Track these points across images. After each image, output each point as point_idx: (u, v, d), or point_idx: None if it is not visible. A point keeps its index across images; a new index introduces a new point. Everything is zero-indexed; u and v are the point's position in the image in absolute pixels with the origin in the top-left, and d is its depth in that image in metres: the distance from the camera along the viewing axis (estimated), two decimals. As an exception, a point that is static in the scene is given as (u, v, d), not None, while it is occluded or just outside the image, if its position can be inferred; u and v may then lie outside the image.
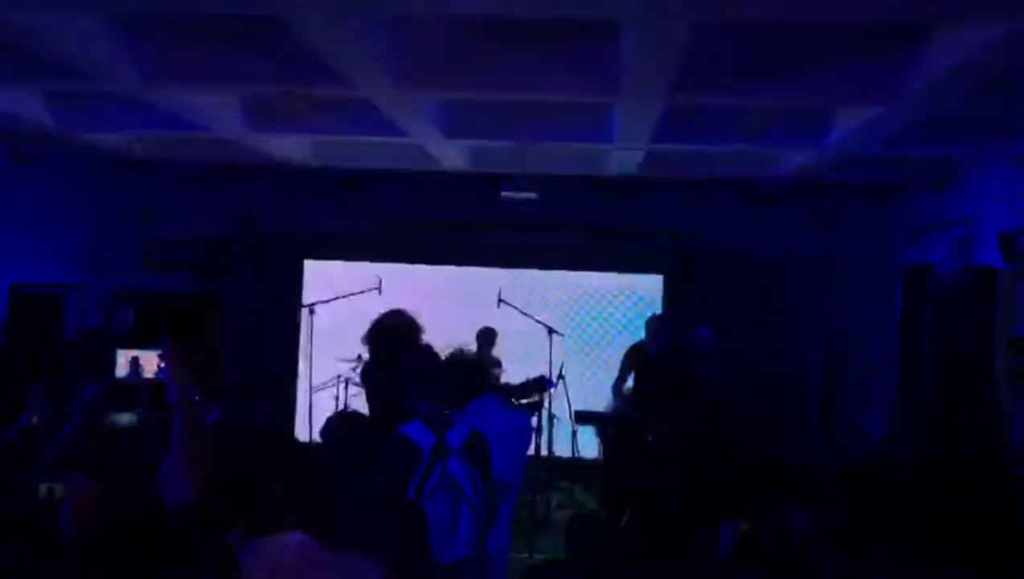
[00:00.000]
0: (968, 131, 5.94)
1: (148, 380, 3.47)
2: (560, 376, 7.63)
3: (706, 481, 5.23)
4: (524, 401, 7.19)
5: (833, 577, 3.08)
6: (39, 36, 3.95)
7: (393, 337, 4.58)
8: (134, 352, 3.72)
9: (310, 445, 2.44)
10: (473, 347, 6.05)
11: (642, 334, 7.20)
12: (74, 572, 2.08)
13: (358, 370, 6.48)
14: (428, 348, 4.06)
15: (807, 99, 4.95)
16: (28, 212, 8.05)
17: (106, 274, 9.17)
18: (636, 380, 7.00)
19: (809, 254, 8.58)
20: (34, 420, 3.61)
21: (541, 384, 7.18)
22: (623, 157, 6.95)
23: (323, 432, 3.54)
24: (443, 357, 3.99)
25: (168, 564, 1.93)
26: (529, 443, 4.01)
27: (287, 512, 2.19)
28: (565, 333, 8.20)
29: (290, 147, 6.90)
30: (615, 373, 7.24)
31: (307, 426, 8.27)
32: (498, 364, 7.56)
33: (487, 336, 7.74)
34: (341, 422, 3.57)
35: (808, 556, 3.17)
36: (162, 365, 2.67)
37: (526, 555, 5.69)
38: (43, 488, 2.23)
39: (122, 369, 5.95)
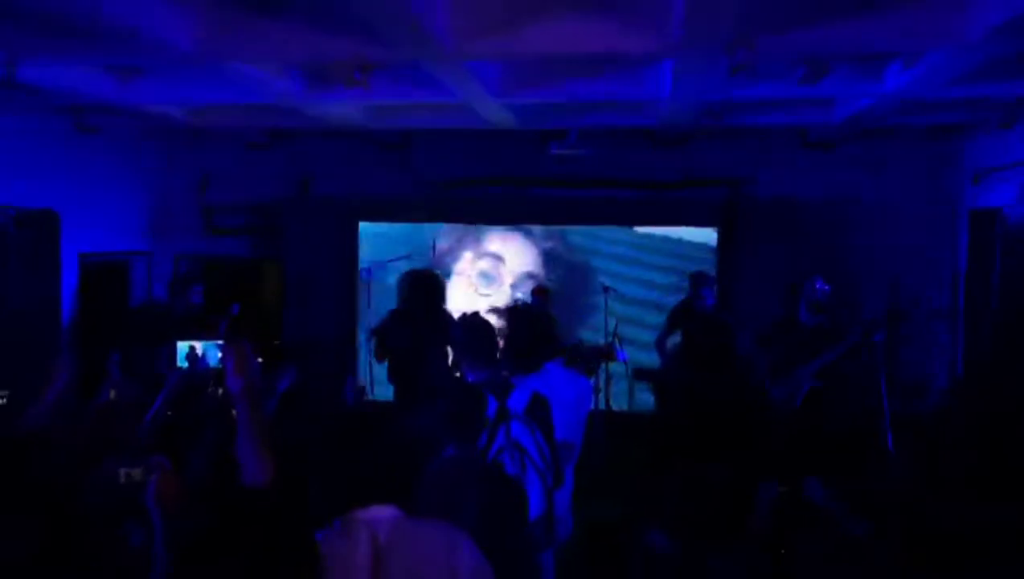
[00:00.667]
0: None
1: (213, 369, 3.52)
2: (615, 334, 7.66)
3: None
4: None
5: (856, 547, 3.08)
6: (95, 8, 4.02)
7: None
8: (193, 342, 3.77)
9: (387, 416, 2.47)
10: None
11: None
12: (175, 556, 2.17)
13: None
14: (476, 315, 4.09)
15: (867, 45, 4.78)
16: (91, 181, 8.26)
17: (168, 240, 9.42)
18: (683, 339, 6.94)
19: (869, 199, 8.38)
20: (112, 394, 3.71)
21: (608, 352, 7.19)
22: (675, 107, 6.83)
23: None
24: (510, 317, 4.01)
25: (257, 551, 2.00)
26: (589, 404, 4.04)
27: (375, 487, 2.25)
28: (620, 289, 8.20)
29: (343, 110, 6.94)
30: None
31: (370, 389, 8.49)
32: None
33: (542, 296, 7.78)
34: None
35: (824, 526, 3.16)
36: (222, 357, 2.78)
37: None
38: (121, 473, 2.29)
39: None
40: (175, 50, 4.57)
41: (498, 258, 9.13)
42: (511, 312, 4.05)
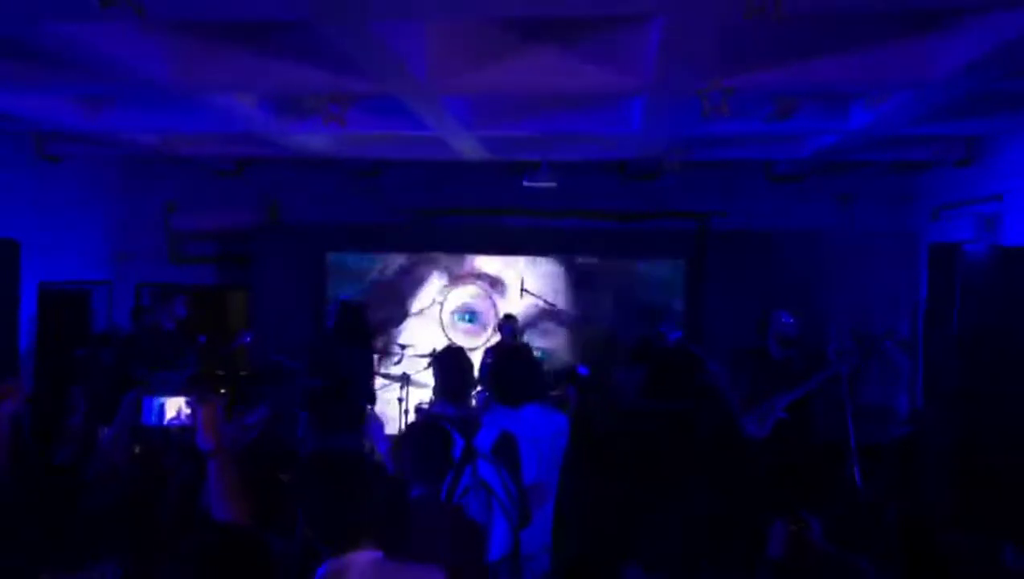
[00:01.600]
0: (995, 107, 5.88)
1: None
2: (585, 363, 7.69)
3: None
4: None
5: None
6: (68, 40, 3.97)
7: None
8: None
9: (366, 459, 2.44)
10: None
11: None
12: None
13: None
14: (451, 347, 4.08)
15: (834, 84, 4.91)
16: (53, 209, 8.11)
17: (132, 269, 9.27)
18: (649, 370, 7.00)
19: (834, 232, 8.55)
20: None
21: (571, 375, 7.21)
22: (645, 142, 6.93)
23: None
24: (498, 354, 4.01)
25: None
26: (564, 441, 4.03)
27: (355, 529, 2.21)
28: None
29: (314, 140, 6.92)
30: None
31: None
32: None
33: (511, 323, 7.78)
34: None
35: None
36: (189, 413, 2.71)
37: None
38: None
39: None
40: (152, 80, 4.54)
41: (491, 284, 9.02)
42: (495, 348, 4.07)
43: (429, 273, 8.99)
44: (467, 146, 7.05)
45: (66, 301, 8.51)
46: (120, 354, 6.85)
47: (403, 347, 8.02)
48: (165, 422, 2.73)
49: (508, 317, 7.82)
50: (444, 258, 8.97)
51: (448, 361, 4.01)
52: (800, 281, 8.27)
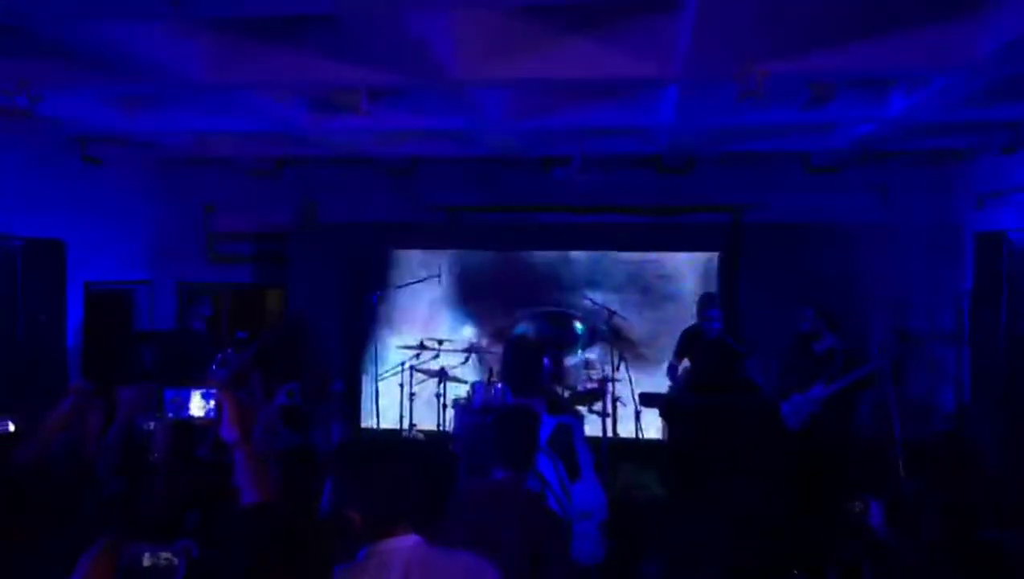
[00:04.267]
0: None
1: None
2: (622, 358, 7.63)
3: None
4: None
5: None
6: (105, 41, 4.05)
7: None
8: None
9: (416, 441, 2.45)
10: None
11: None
12: None
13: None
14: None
15: (872, 68, 4.82)
16: (97, 211, 8.28)
17: (171, 268, 9.42)
18: (692, 364, 6.94)
19: (874, 223, 8.39)
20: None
21: (601, 391, 7.19)
22: (679, 133, 6.87)
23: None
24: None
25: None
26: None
27: (400, 514, 2.21)
28: (627, 315, 8.20)
29: (348, 138, 6.97)
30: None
31: (374, 414, 8.46)
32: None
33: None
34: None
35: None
36: (212, 406, 2.74)
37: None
38: (146, 557, 2.26)
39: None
40: (186, 78, 4.61)
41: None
42: (508, 342, 4.09)
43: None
44: (500, 141, 7.05)
45: (110, 300, 8.69)
46: (160, 353, 6.99)
47: (440, 342, 8.03)
48: (186, 415, 2.75)
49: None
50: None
51: (519, 352, 4.04)
52: (839, 275, 8.13)
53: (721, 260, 8.71)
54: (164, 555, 2.08)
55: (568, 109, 6.11)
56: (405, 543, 2.17)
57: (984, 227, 7.66)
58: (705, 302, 6.92)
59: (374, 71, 4.58)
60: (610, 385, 7.28)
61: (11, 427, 4.07)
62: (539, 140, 7.21)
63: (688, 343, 6.99)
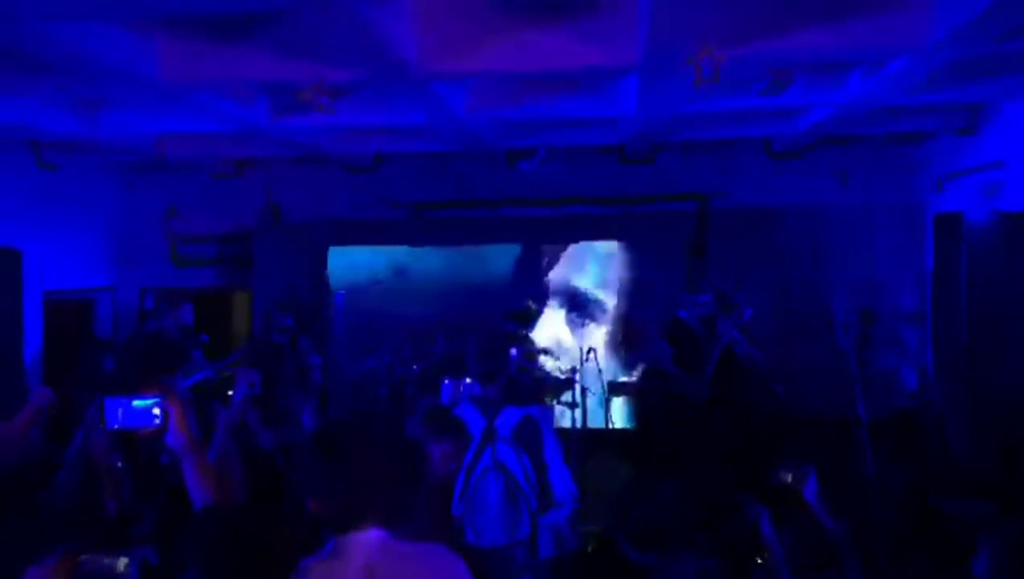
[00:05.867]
0: (996, 71, 5.80)
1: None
2: (590, 349, 7.64)
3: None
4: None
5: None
6: (53, 41, 3.96)
7: None
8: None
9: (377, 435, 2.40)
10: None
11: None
12: None
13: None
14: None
15: (829, 53, 4.86)
16: (54, 217, 8.11)
17: (134, 274, 9.27)
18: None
19: (837, 207, 8.49)
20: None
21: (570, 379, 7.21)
22: (641, 123, 6.88)
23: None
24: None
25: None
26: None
27: (366, 507, 2.18)
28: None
29: (310, 136, 6.90)
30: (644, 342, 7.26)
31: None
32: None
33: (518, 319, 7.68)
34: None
35: None
36: (157, 414, 2.69)
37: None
38: (104, 563, 2.23)
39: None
40: (141, 79, 4.52)
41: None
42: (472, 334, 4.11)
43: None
44: (463, 134, 7.02)
45: (71, 309, 8.52)
46: (120, 360, 6.83)
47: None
48: (129, 425, 2.69)
49: (514, 315, 7.72)
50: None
51: (483, 343, 4.03)
52: (804, 257, 8.23)
53: (689, 247, 8.78)
54: (121, 562, 2.05)
55: (530, 101, 6.10)
56: (370, 537, 2.15)
57: (943, 208, 7.79)
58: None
59: (333, 67, 4.53)
60: (578, 375, 7.30)
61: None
62: (502, 133, 7.19)
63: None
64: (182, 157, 7.87)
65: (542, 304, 8.62)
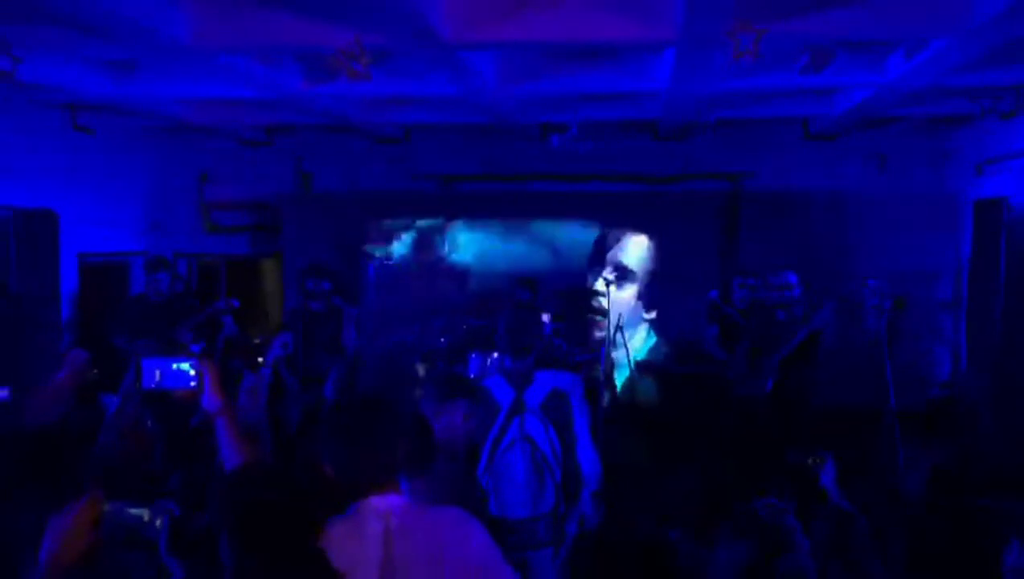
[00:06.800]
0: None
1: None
2: (619, 327, 7.60)
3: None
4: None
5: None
6: (88, 3, 3.98)
7: None
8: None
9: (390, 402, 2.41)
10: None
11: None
12: None
13: None
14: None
15: (870, 31, 4.74)
16: (89, 181, 8.21)
17: (166, 239, 9.36)
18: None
19: (872, 191, 8.34)
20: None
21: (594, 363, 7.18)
22: (676, 98, 6.79)
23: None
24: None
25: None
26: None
27: (379, 473, 2.20)
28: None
29: (341, 104, 6.89)
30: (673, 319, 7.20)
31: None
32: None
33: (524, 287, 7.61)
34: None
35: None
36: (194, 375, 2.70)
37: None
38: (129, 513, 2.26)
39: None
40: (173, 41, 4.53)
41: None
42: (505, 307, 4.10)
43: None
44: (494, 106, 6.97)
45: (105, 272, 8.64)
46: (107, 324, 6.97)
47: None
48: (165, 386, 2.71)
49: (523, 281, 7.67)
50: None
51: (513, 316, 4.03)
52: (837, 242, 8.10)
53: (721, 228, 8.68)
54: (145, 513, 2.08)
55: (563, 73, 6.04)
56: (389, 501, 2.17)
57: (983, 194, 7.61)
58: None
59: (363, 32, 4.50)
60: (605, 352, 7.27)
61: (7, 396, 4.09)
62: (534, 106, 7.13)
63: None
64: (213, 121, 7.91)
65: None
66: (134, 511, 2.14)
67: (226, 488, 2.32)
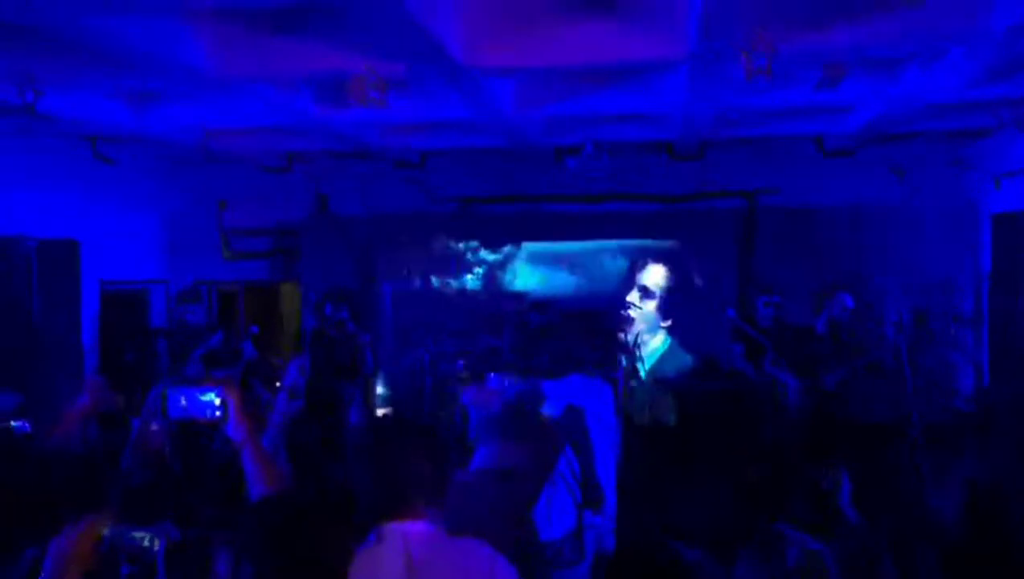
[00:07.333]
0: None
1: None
2: (636, 345, 7.56)
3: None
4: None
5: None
6: (111, 31, 4.05)
7: None
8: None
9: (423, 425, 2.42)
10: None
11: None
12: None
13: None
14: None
15: (885, 46, 4.74)
16: (110, 209, 8.31)
17: (186, 266, 9.44)
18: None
19: (890, 206, 8.30)
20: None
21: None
22: (691, 117, 6.80)
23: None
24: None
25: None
26: (611, 409, 4.00)
27: (411, 498, 2.19)
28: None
29: (358, 130, 6.96)
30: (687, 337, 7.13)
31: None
32: None
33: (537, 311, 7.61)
34: None
35: None
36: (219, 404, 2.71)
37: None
38: (135, 536, 2.28)
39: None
40: (193, 71, 4.60)
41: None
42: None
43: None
44: (510, 130, 7.01)
45: (126, 300, 8.72)
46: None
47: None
48: (191, 415, 2.72)
49: (536, 305, 7.66)
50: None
51: (518, 335, 4.02)
52: (856, 257, 8.05)
53: (738, 246, 8.66)
54: (147, 536, 2.10)
55: (577, 96, 6.06)
56: (412, 529, 2.15)
57: (1002, 208, 7.56)
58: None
59: (379, 60, 4.55)
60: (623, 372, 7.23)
61: (29, 428, 4.12)
62: (549, 129, 7.17)
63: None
64: (232, 150, 8.00)
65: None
66: (136, 534, 2.15)
67: (252, 516, 2.33)
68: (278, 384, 5.91)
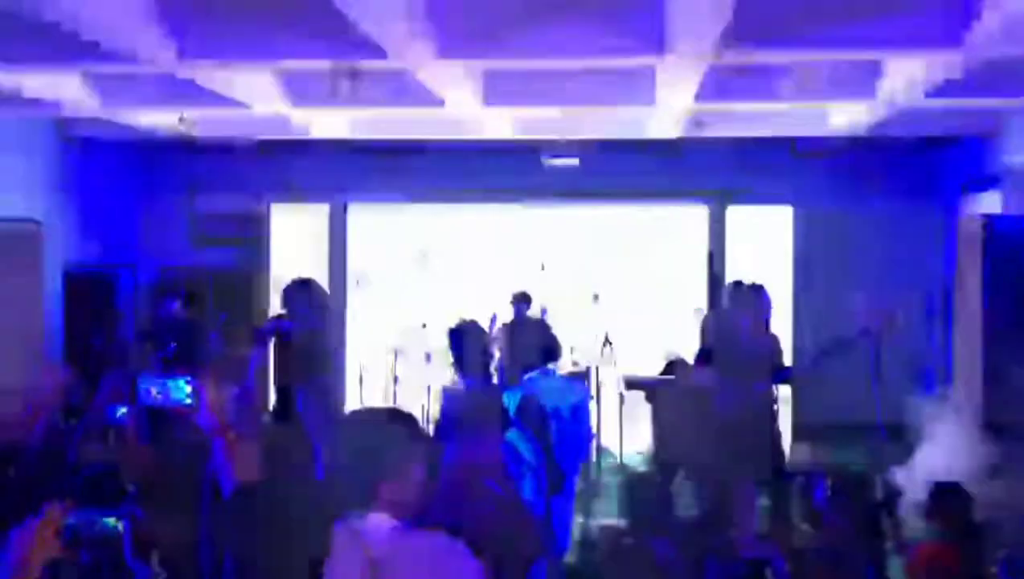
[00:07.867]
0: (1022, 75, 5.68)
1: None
2: (606, 341, 7.60)
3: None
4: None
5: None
6: (77, 18, 3.96)
7: None
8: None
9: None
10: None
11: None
12: None
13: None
14: (469, 322, 4.08)
15: (857, 51, 4.78)
16: (76, 193, 8.17)
17: (154, 252, 9.32)
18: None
19: (861, 209, 8.40)
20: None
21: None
22: (665, 118, 6.82)
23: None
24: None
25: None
26: (588, 409, 4.02)
27: (372, 493, 2.15)
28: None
29: (330, 122, 6.90)
30: (661, 336, 7.20)
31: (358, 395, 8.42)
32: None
33: (522, 301, 7.63)
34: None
35: None
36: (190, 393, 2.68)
37: (581, 520, 5.70)
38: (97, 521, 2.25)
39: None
40: (160, 58, 4.52)
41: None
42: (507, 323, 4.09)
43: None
44: (486, 124, 6.99)
45: (92, 285, 8.58)
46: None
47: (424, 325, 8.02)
48: (162, 404, 2.70)
49: (521, 296, 7.68)
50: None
51: (465, 336, 4.01)
52: (824, 258, 8.15)
53: (710, 247, 8.74)
54: (112, 519, 2.09)
55: (552, 92, 6.05)
56: (372, 524, 2.12)
57: (968, 212, 7.67)
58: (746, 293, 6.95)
59: (353, 51, 4.50)
60: (594, 369, 7.27)
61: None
62: (524, 125, 7.15)
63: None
64: (202, 137, 7.89)
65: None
66: (102, 518, 2.14)
67: (227, 506, 2.31)
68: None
